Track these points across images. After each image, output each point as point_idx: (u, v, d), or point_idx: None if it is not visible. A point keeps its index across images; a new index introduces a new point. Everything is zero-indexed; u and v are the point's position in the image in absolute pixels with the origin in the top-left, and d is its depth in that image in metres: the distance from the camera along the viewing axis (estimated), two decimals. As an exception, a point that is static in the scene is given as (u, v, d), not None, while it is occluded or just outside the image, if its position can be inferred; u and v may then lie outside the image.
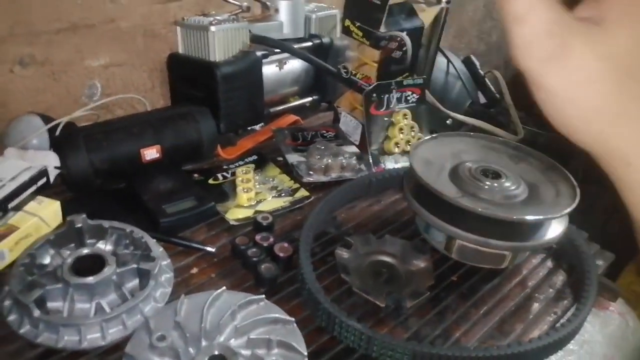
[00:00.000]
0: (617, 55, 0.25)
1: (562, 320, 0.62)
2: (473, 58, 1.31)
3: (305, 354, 0.51)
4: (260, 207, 0.75)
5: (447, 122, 1.08)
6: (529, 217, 0.61)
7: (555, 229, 0.65)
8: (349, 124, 0.94)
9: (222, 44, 0.82)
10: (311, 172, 0.82)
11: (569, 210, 0.61)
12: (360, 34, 0.86)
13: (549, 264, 0.72)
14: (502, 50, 2.02)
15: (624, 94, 0.26)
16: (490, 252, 0.65)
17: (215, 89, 0.80)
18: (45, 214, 0.64)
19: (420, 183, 0.66)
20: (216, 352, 0.50)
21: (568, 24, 0.26)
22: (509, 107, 1.18)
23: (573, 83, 0.26)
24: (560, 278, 0.69)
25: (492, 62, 1.97)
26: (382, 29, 0.83)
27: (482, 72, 1.29)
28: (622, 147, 0.27)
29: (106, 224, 0.62)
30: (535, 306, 0.65)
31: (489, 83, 1.28)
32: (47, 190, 0.70)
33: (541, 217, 0.62)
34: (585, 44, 0.25)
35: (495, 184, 0.65)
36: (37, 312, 0.51)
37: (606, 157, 0.28)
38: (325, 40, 0.98)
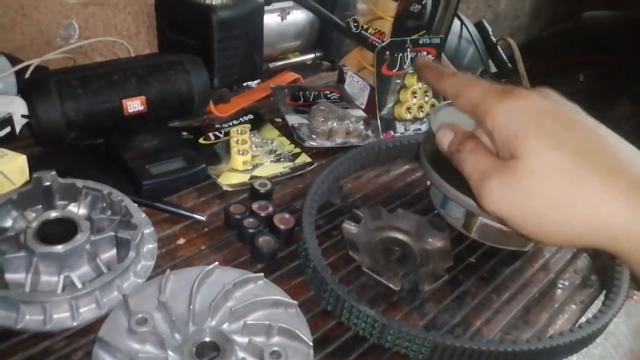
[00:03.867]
0: (530, 174, 0.35)
1: (589, 310, 0.57)
2: (485, 24, 1.23)
3: (311, 344, 0.44)
4: (256, 172, 0.66)
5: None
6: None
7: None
8: (355, 85, 0.85)
9: (219, -16, 0.72)
10: (314, 136, 0.74)
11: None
12: (375, -17, 0.77)
13: (573, 247, 0.65)
14: (509, 20, 1.93)
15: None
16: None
17: (210, 37, 0.71)
18: (8, 169, 0.55)
19: (439, 151, 0.59)
20: (207, 339, 0.42)
21: (498, 164, 0.37)
22: (522, 77, 1.10)
23: (517, 203, 0.36)
24: (584, 263, 0.63)
25: (499, 32, 1.88)
26: (400, -22, 0.74)
27: (494, 39, 1.20)
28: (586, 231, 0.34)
29: (80, 183, 0.53)
30: (560, 293, 0.58)
31: (500, 51, 1.20)
32: (12, 143, 0.60)
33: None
34: (509, 172, 0.36)
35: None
36: (-8, 286, 0.42)
37: (594, 245, 0.34)
38: (333, -10, 0.89)
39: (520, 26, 2.02)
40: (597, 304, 0.57)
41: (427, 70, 0.44)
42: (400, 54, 0.77)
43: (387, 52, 0.75)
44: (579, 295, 0.59)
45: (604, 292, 0.59)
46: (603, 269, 0.62)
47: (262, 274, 0.49)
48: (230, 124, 0.75)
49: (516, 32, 1.97)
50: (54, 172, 0.52)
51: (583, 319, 0.54)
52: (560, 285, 0.59)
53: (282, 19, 0.84)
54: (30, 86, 0.61)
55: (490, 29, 1.22)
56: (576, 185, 0.33)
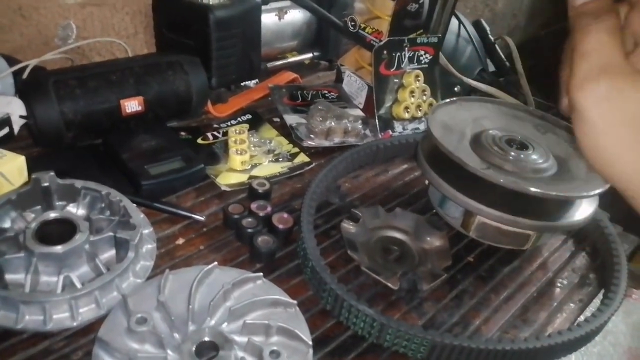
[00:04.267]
0: None
1: (588, 309, 0.57)
2: (483, 22, 1.23)
3: (310, 343, 0.44)
4: (255, 172, 0.66)
5: (455, 89, 1.00)
6: (568, 194, 0.55)
7: (585, 209, 0.59)
8: (353, 85, 0.85)
9: (216, -16, 0.72)
10: (312, 136, 0.74)
11: (606, 187, 0.55)
12: (372, -18, 0.77)
13: (571, 245, 0.65)
14: (507, 19, 1.93)
15: None
16: (514, 231, 0.58)
17: (207, 36, 0.71)
18: (6, 170, 0.55)
19: (438, 151, 0.59)
20: (206, 339, 0.42)
21: (624, 69, 0.29)
22: (520, 76, 1.10)
23: (613, 121, 0.29)
24: (583, 262, 0.63)
25: (496, 31, 1.88)
26: (398, -23, 0.74)
27: (492, 38, 1.21)
28: None
29: (78, 184, 0.53)
30: (558, 292, 0.59)
31: (499, 50, 1.20)
32: (10, 144, 0.60)
33: (580, 194, 0.55)
34: (633, 90, 0.28)
35: (522, 156, 0.58)
36: (-9, 286, 0.42)
37: (632, 194, 0.29)
38: (331, -11, 0.88)
39: (519, 25, 2.02)
40: (596, 302, 0.58)
41: None
42: (398, 53, 0.77)
43: (385, 52, 0.76)
44: (578, 294, 0.59)
45: (602, 290, 0.59)
46: (602, 267, 0.62)
47: (261, 273, 0.49)
48: (229, 123, 0.75)
49: (514, 31, 1.96)
50: (52, 173, 0.52)
51: (581, 318, 0.54)
52: (558, 284, 0.59)
53: (279, 19, 0.84)
54: (28, 86, 0.61)
55: (488, 28, 1.22)
56: None
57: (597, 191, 0.55)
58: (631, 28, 0.31)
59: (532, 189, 0.53)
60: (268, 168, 0.68)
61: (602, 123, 0.29)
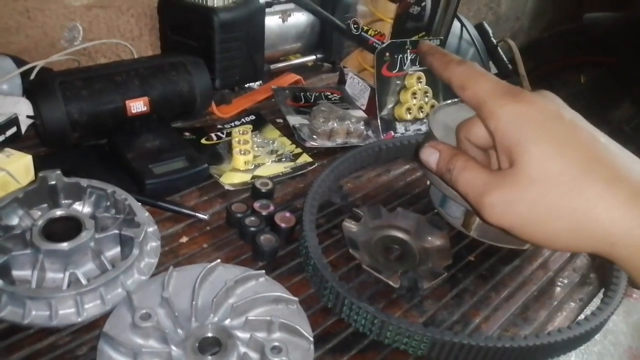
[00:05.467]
0: (530, 182, 0.35)
1: (588, 308, 0.57)
2: (486, 25, 1.23)
3: (312, 339, 0.44)
4: (258, 172, 0.67)
5: (458, 90, 1.01)
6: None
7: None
8: (356, 87, 0.86)
9: (220, -13, 0.73)
10: (314, 137, 0.75)
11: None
12: (375, -15, 0.77)
13: (571, 246, 0.66)
14: (510, 22, 1.94)
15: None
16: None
17: (211, 38, 0.71)
18: (14, 169, 0.56)
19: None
20: (209, 334, 0.43)
21: (494, 178, 0.37)
22: (522, 79, 1.11)
23: (524, 220, 0.35)
24: (583, 261, 0.64)
25: (500, 33, 1.89)
26: (400, -20, 0.74)
27: (494, 41, 1.21)
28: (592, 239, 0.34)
29: (84, 182, 0.54)
30: (559, 291, 0.59)
31: (501, 52, 1.20)
32: (17, 143, 0.61)
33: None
34: (508, 184, 0.35)
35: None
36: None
37: (594, 251, 0.35)
38: (334, -8, 0.89)
39: (522, 28, 2.03)
40: (596, 301, 0.58)
41: (433, 56, 0.41)
42: (400, 55, 0.78)
43: (387, 54, 0.76)
44: (578, 293, 0.59)
45: (602, 290, 0.59)
46: (602, 267, 0.62)
47: (263, 271, 0.49)
48: (232, 124, 0.76)
49: (517, 34, 1.97)
50: (59, 171, 0.53)
51: (581, 317, 0.55)
52: (559, 283, 0.60)
53: (283, 21, 0.85)
54: (35, 87, 0.62)
55: (490, 31, 1.23)
56: (576, 194, 0.33)
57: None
58: (470, 145, 0.41)
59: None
60: (271, 168, 0.68)
61: (517, 225, 0.36)
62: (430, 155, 0.41)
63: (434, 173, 0.41)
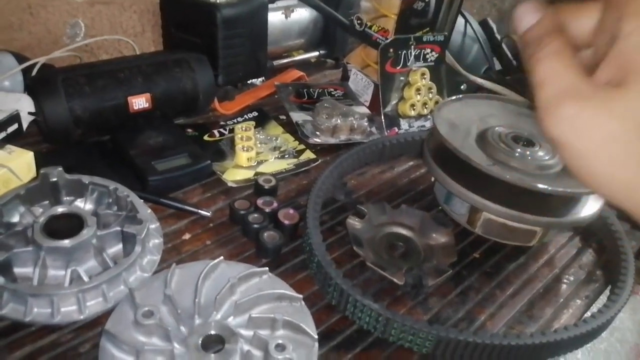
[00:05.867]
0: (634, 114, 0.26)
1: (594, 305, 0.57)
2: (490, 21, 1.22)
3: (316, 337, 0.44)
4: (261, 169, 0.67)
5: (462, 87, 1.00)
6: (574, 190, 0.54)
7: (592, 205, 0.58)
8: (359, 83, 0.85)
9: (223, -17, 0.72)
10: (318, 133, 0.74)
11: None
12: (378, -20, 0.77)
13: (577, 242, 0.65)
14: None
15: None
16: (520, 227, 0.58)
17: (214, 35, 0.71)
18: (15, 165, 0.55)
19: (443, 147, 0.59)
20: (212, 332, 0.43)
21: (585, 87, 0.27)
22: (527, 75, 1.10)
23: (592, 143, 0.27)
24: (590, 258, 0.63)
25: (504, 30, 1.88)
26: (404, -25, 0.74)
27: (498, 37, 1.20)
28: None
29: (86, 179, 0.54)
30: (565, 288, 0.58)
31: (505, 49, 1.19)
32: (19, 140, 0.61)
33: (586, 190, 0.55)
34: (600, 106, 0.26)
35: (528, 152, 0.58)
36: (1, 280, 0.43)
37: (631, 210, 0.28)
38: (337, -12, 0.89)
39: (525, 24, 2.01)
40: (603, 299, 0.57)
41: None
42: (404, 51, 0.77)
43: (391, 50, 0.76)
44: (584, 290, 0.59)
45: (609, 287, 0.59)
46: (608, 264, 0.62)
47: (267, 268, 0.49)
48: (235, 121, 0.76)
49: (521, 31, 1.96)
50: (60, 168, 0.53)
51: (588, 314, 0.54)
52: (565, 281, 0.59)
53: (286, 17, 0.85)
54: (38, 84, 0.61)
55: (494, 27, 1.22)
56: None
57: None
58: (603, 33, 0.28)
59: (539, 185, 0.53)
60: (274, 165, 0.68)
61: (582, 146, 0.27)
62: (526, 14, 0.30)
63: (519, 36, 0.31)
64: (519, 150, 0.58)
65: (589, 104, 0.27)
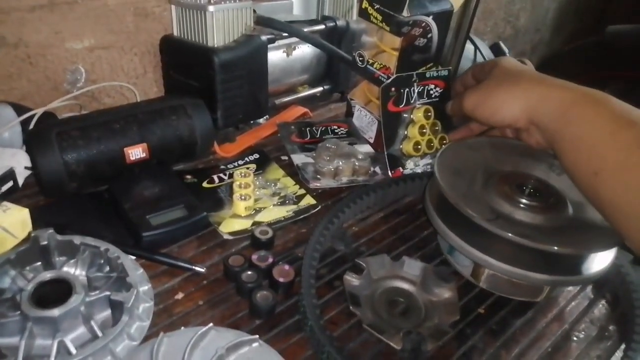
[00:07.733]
0: (473, 95, 0.67)
1: (607, 366, 0.54)
2: (502, 45, 1.19)
3: (305, 415, 0.42)
4: (259, 217, 0.65)
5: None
6: (583, 250, 0.52)
7: (603, 258, 0.55)
8: (363, 119, 0.84)
9: (221, 26, 0.72)
10: (319, 177, 0.73)
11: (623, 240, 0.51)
12: (380, 17, 0.75)
13: (589, 293, 0.62)
14: (529, 35, 1.89)
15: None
16: (526, 284, 0.55)
17: (212, 79, 0.70)
18: (9, 224, 0.55)
19: (445, 198, 0.57)
20: (198, 410, 0.41)
21: (467, 96, 0.67)
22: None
23: (473, 102, 0.66)
24: (602, 311, 0.60)
25: (518, 48, 1.84)
26: (405, 13, 0.72)
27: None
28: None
29: (77, 240, 0.53)
30: (575, 347, 0.55)
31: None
32: (17, 192, 0.61)
33: (596, 249, 0.52)
34: (470, 95, 0.67)
35: (535, 203, 0.56)
36: (-16, 355, 0.42)
37: (482, 116, 0.66)
38: (340, 23, 0.87)
39: (542, 40, 1.97)
40: (618, 354, 0.54)
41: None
42: (407, 89, 0.75)
43: (393, 89, 0.74)
44: (596, 348, 0.55)
45: (623, 345, 0.56)
46: (623, 318, 0.58)
47: (257, 336, 0.47)
48: (236, 164, 0.75)
49: (538, 46, 1.92)
50: (51, 230, 0.52)
51: (599, 377, 0.51)
52: (574, 338, 0.56)
53: (287, 55, 0.84)
54: (33, 138, 0.61)
55: (507, 50, 1.19)
56: (515, 83, 0.62)
57: (615, 245, 0.52)
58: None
59: (542, 246, 0.51)
60: (273, 212, 0.66)
61: (472, 103, 0.65)
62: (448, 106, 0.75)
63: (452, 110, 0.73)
64: (525, 200, 0.56)
65: (477, 87, 0.65)
